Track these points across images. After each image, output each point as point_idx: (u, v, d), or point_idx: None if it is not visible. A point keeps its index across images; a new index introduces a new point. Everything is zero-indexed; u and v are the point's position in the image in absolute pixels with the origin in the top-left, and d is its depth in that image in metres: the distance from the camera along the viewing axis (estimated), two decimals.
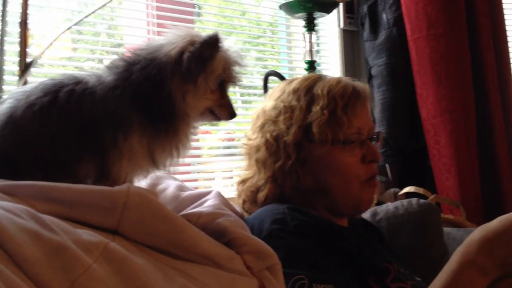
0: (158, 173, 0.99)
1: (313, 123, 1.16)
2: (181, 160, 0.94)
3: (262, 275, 0.87)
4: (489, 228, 0.96)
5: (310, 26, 2.14)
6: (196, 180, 2.22)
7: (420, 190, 2.11)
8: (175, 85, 0.88)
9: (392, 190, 2.19)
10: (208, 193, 1.11)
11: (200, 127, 1.02)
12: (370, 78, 2.53)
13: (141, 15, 2.15)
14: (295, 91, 1.21)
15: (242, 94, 2.44)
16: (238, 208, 1.19)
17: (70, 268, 0.61)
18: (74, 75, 0.89)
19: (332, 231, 1.12)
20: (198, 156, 2.23)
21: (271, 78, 2.02)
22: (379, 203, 1.85)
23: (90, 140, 0.84)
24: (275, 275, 0.90)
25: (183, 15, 2.21)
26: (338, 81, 1.21)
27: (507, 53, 2.59)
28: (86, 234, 0.68)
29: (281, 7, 2.16)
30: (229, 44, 0.95)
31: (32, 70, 1.42)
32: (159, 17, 2.12)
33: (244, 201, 1.27)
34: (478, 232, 0.97)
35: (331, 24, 2.71)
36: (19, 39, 1.40)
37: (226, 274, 0.82)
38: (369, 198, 1.22)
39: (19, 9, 1.40)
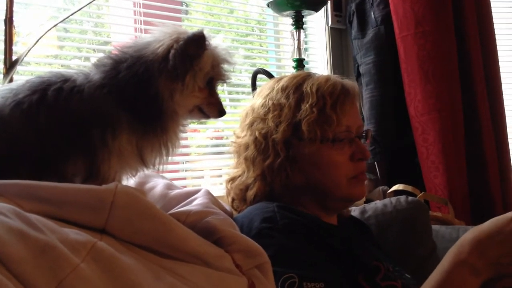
0: (147, 171, 0.98)
1: (302, 121, 1.16)
2: (169, 158, 0.94)
3: (252, 274, 0.87)
4: (481, 229, 0.98)
5: (298, 24, 2.14)
6: (184, 178, 2.21)
7: (409, 188, 2.12)
8: (163, 83, 0.88)
9: (380, 188, 2.20)
10: (196, 191, 1.11)
11: (189, 126, 1.01)
12: (358, 76, 2.54)
13: (128, 12, 2.14)
14: (284, 89, 1.21)
15: (230, 92, 2.43)
16: (227, 207, 1.19)
17: (57, 267, 0.61)
18: (61, 73, 0.88)
19: (322, 229, 1.13)
20: (187, 154, 2.22)
21: (259, 76, 2.02)
22: (368, 201, 1.86)
23: (79, 139, 0.84)
24: (264, 273, 0.89)
25: (171, 12, 2.20)
26: (327, 79, 1.21)
27: (495, 51, 2.60)
28: (73, 233, 0.67)
29: (269, 5, 2.15)
30: (217, 42, 0.95)
31: (18, 68, 1.40)
32: (146, 14, 2.11)
33: (233, 199, 1.27)
34: (470, 233, 0.99)
35: (319, 22, 2.71)
36: (4, 37, 1.38)
37: (215, 272, 0.81)
38: (359, 193, 1.22)
39: (4, 7, 1.38)
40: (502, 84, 2.64)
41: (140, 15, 2.10)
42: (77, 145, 0.84)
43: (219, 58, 0.95)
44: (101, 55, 0.93)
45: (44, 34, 1.42)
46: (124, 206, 0.74)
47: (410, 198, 1.69)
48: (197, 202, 1.03)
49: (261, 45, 2.75)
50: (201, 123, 2.19)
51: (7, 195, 0.71)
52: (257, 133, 1.20)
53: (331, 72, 2.63)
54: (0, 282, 0.55)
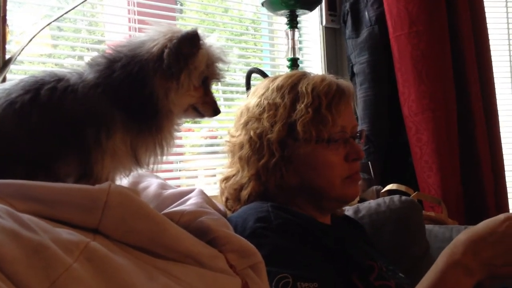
0: (140, 171, 0.98)
1: (297, 121, 1.16)
2: (164, 158, 0.93)
3: (245, 274, 0.87)
4: (474, 231, 0.99)
5: (293, 23, 2.14)
6: (178, 178, 2.21)
7: (402, 188, 2.12)
8: (158, 82, 0.87)
9: (374, 187, 2.20)
10: (190, 191, 1.10)
11: (183, 125, 1.01)
12: (352, 75, 2.54)
13: (122, 11, 2.13)
14: (279, 89, 1.21)
15: (224, 92, 2.43)
16: (221, 206, 1.19)
17: (50, 267, 0.60)
18: (55, 72, 0.88)
19: (316, 229, 1.13)
20: (181, 154, 2.22)
21: (253, 75, 2.02)
22: (362, 200, 1.86)
23: (72, 139, 0.83)
24: (258, 273, 0.89)
25: (165, 11, 2.20)
26: (323, 79, 1.21)
27: (489, 51, 2.61)
28: (66, 233, 0.67)
29: (263, 4, 2.15)
30: (212, 40, 0.95)
31: (11, 67, 1.40)
32: (140, 13, 2.10)
33: (227, 199, 1.27)
34: (463, 234, 1.00)
35: (313, 21, 2.71)
36: None
37: (209, 272, 0.81)
38: (353, 193, 1.23)
39: None
40: (496, 84, 2.64)
41: (134, 14, 2.10)
42: (71, 145, 0.83)
43: (214, 57, 0.95)
44: (95, 54, 0.93)
45: (38, 33, 1.41)
46: (118, 206, 0.74)
47: (403, 197, 1.69)
48: (191, 202, 1.02)
49: (255, 44, 2.75)
50: (195, 122, 2.18)
51: None
52: (252, 133, 1.19)
53: (325, 72, 2.63)
54: None
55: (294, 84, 1.20)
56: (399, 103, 2.39)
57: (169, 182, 1.21)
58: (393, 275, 1.17)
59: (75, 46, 2.17)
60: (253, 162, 1.19)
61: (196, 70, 0.91)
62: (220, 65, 0.96)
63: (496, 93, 2.63)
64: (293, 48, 2.15)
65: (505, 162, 2.61)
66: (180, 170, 2.25)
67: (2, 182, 0.73)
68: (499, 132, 2.63)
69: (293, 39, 2.15)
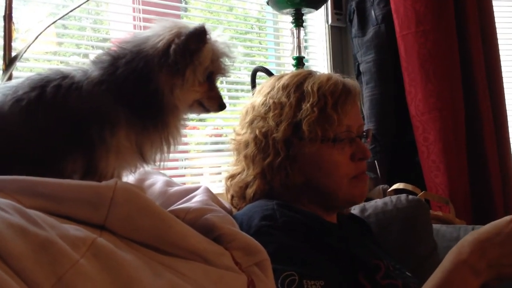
0: (146, 168, 0.98)
1: (303, 121, 1.15)
2: (169, 155, 0.93)
3: (251, 271, 0.87)
4: (481, 231, 1.00)
5: (298, 22, 2.13)
6: (183, 175, 2.21)
7: (409, 187, 2.12)
8: (163, 78, 0.87)
9: (381, 186, 2.20)
10: (196, 188, 1.10)
11: (188, 122, 1.01)
12: (358, 74, 2.53)
13: (127, 9, 2.13)
14: (284, 87, 1.20)
15: (229, 90, 2.43)
16: (227, 204, 1.19)
17: (57, 263, 0.60)
18: (60, 70, 0.88)
19: (322, 227, 1.12)
20: (186, 151, 2.22)
21: (258, 74, 2.01)
22: (368, 199, 1.85)
23: (77, 136, 0.83)
24: (264, 271, 0.89)
25: (170, 10, 2.20)
26: (328, 78, 1.20)
27: (497, 50, 2.59)
28: (73, 229, 0.67)
29: (268, 2, 2.15)
30: (216, 35, 0.94)
31: (17, 64, 1.40)
32: (145, 12, 2.10)
33: (232, 197, 1.27)
34: (470, 235, 1.01)
35: (319, 20, 2.70)
36: (3, 33, 1.38)
37: (215, 269, 0.81)
38: (361, 193, 1.22)
39: (3, 3, 1.38)
40: (504, 84, 2.63)
41: (139, 12, 2.10)
42: (76, 142, 0.83)
43: (219, 52, 0.94)
44: (100, 51, 0.93)
45: (43, 31, 1.41)
46: (124, 203, 0.74)
47: (410, 196, 1.68)
48: (197, 199, 1.03)
49: (260, 43, 2.75)
50: (201, 120, 2.18)
51: (6, 191, 0.71)
52: (257, 132, 1.19)
53: (331, 71, 2.63)
54: (0, 277, 0.55)
55: (300, 83, 1.20)
56: (406, 102, 2.38)
57: (174, 180, 1.21)
58: (400, 274, 1.17)
59: (80, 44, 2.17)
60: (258, 160, 1.19)
61: (201, 66, 0.91)
62: (225, 60, 0.96)
63: (505, 93, 2.62)
64: (299, 47, 2.15)
65: None
66: (185, 168, 2.25)
67: (9, 178, 0.73)
68: (508, 132, 2.61)
69: (298, 37, 2.14)
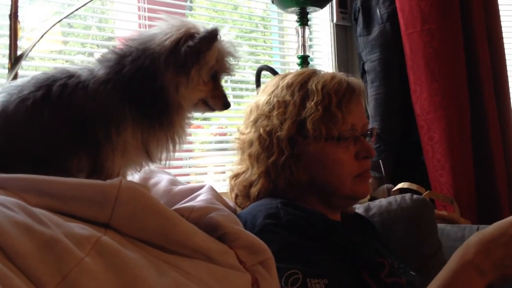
0: (151, 167, 0.98)
1: (307, 119, 1.15)
2: (174, 153, 0.93)
3: (255, 270, 0.87)
4: (485, 232, 0.99)
5: (303, 20, 2.13)
6: (188, 174, 2.22)
7: (414, 186, 2.11)
8: (169, 77, 0.87)
9: (385, 186, 2.20)
10: (200, 187, 1.10)
11: (192, 122, 1.01)
12: (363, 73, 2.53)
13: (132, 8, 2.14)
14: (289, 86, 1.20)
15: (234, 89, 2.43)
16: (231, 203, 1.19)
17: (62, 261, 0.61)
18: (66, 68, 0.88)
19: (326, 226, 1.12)
20: (190, 150, 2.22)
21: (263, 73, 2.01)
22: (372, 198, 1.85)
23: (83, 135, 0.84)
24: (268, 269, 0.89)
25: (175, 8, 2.20)
26: (333, 76, 1.20)
27: (502, 49, 2.59)
28: (78, 228, 0.67)
29: (273, 1, 2.14)
30: (222, 34, 0.94)
31: (23, 63, 1.40)
32: (150, 10, 2.10)
33: (236, 196, 1.27)
34: (475, 236, 1.01)
35: (324, 19, 2.70)
36: (9, 32, 1.38)
37: (219, 268, 0.81)
38: (364, 191, 1.22)
39: (9, 2, 1.38)
40: (510, 84, 2.62)
41: (145, 11, 2.10)
42: (81, 141, 0.83)
43: (224, 52, 0.94)
44: (105, 50, 0.93)
45: (49, 30, 1.42)
46: (128, 201, 0.74)
47: (415, 196, 1.68)
48: (201, 198, 1.03)
49: (265, 42, 2.74)
50: (205, 119, 2.19)
51: (12, 189, 0.71)
52: (261, 130, 1.19)
53: (336, 70, 2.62)
54: (5, 275, 0.55)
55: (304, 81, 1.20)
56: (411, 101, 2.37)
57: (179, 179, 1.21)
58: (404, 272, 1.17)
59: (85, 43, 2.17)
60: (262, 159, 1.19)
61: (206, 65, 0.91)
62: (230, 60, 0.96)
63: (510, 93, 2.61)
64: (304, 46, 2.14)
65: None
66: (189, 167, 2.25)
67: (14, 177, 0.73)
68: None
69: (303, 36, 2.14)
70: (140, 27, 2.12)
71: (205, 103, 0.96)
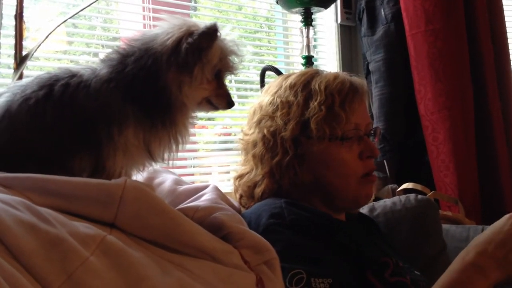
0: (156, 167, 0.98)
1: (310, 119, 1.15)
2: (177, 154, 0.93)
3: (260, 270, 0.87)
4: (484, 233, 1.03)
5: (308, 20, 2.13)
6: (192, 174, 2.22)
7: (418, 187, 2.11)
8: (172, 76, 0.87)
9: (390, 186, 2.19)
10: (205, 187, 1.11)
11: (197, 122, 1.01)
12: (368, 73, 2.52)
13: (137, 9, 2.14)
14: (292, 87, 1.20)
15: (238, 89, 2.43)
16: (236, 203, 1.19)
17: (67, 260, 0.61)
18: (69, 68, 0.89)
19: (330, 225, 1.12)
20: (195, 150, 2.23)
21: (267, 73, 2.01)
22: (377, 199, 1.84)
23: (85, 134, 0.84)
24: (272, 269, 0.89)
25: (179, 9, 2.20)
26: (336, 76, 1.20)
27: (507, 49, 2.58)
28: (83, 227, 0.67)
29: (278, 1, 2.15)
30: (225, 33, 0.94)
31: (28, 63, 1.41)
32: (154, 11, 2.11)
33: (241, 196, 1.27)
34: (475, 239, 1.04)
35: (328, 19, 2.70)
36: (14, 32, 1.39)
37: (224, 268, 0.81)
38: (367, 193, 1.22)
39: (14, 2, 1.39)
40: None
41: (149, 11, 2.10)
42: (83, 141, 0.84)
43: (227, 50, 0.94)
44: (110, 51, 0.93)
45: (54, 30, 1.42)
46: (133, 201, 0.75)
47: (419, 196, 1.67)
48: (205, 198, 1.03)
49: (269, 42, 2.74)
50: (209, 119, 2.19)
51: (17, 188, 0.72)
52: (265, 131, 1.19)
53: (340, 70, 2.62)
54: (10, 274, 0.55)
55: (307, 82, 1.20)
56: (415, 102, 2.37)
57: (184, 179, 1.21)
58: (408, 271, 1.16)
59: (90, 43, 2.18)
60: (266, 160, 1.19)
61: (209, 64, 0.91)
62: (233, 58, 0.96)
63: None
64: (308, 46, 2.14)
65: None
66: (194, 167, 2.25)
67: (19, 176, 0.73)
68: None
69: (307, 36, 2.14)
70: (144, 27, 2.13)
71: (209, 102, 0.96)
